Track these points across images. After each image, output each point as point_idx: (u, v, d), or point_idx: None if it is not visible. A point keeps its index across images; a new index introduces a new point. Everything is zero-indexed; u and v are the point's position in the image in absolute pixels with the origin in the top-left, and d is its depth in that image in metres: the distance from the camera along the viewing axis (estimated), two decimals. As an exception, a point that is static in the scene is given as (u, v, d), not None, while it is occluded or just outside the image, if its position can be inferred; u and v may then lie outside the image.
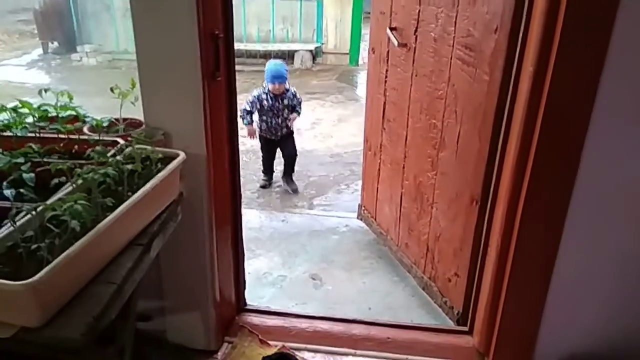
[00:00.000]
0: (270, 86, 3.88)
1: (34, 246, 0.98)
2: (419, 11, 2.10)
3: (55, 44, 9.41)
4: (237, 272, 2.04)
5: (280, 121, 4.01)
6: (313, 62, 8.56)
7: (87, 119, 1.47)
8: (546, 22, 1.42)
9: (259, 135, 4.12)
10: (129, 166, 1.23)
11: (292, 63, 8.47)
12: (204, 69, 1.55)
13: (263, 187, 4.18)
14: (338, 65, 8.62)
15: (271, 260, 2.77)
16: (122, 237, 1.22)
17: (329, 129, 5.83)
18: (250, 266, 2.69)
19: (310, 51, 8.47)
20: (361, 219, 2.98)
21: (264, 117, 3.98)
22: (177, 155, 1.46)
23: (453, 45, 1.92)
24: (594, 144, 1.52)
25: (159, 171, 1.36)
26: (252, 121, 4.05)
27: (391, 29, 2.29)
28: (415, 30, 2.14)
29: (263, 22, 8.67)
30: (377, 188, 2.69)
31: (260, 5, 8.57)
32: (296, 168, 4.72)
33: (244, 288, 2.14)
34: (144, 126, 1.62)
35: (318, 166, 4.74)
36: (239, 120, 2.96)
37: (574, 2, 1.36)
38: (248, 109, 3.94)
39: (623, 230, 1.65)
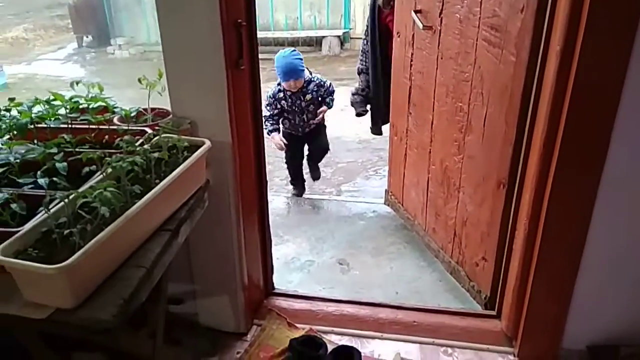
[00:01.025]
0: (284, 84, 3.25)
1: (66, 232, 1.03)
2: (444, -8, 2.07)
3: (90, 37, 9.66)
4: (265, 257, 2.08)
5: (306, 118, 3.38)
6: (341, 48, 8.52)
7: (116, 110, 1.51)
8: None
9: (283, 134, 3.46)
10: (156, 154, 1.27)
11: (320, 50, 8.45)
12: (227, 57, 1.57)
13: (298, 195, 3.57)
14: (366, 50, 8.53)
15: (299, 246, 2.81)
16: (151, 223, 1.26)
17: (357, 115, 5.81)
18: (279, 252, 2.73)
19: (338, 37, 8.42)
20: (388, 205, 2.98)
21: (287, 116, 3.37)
22: (203, 143, 1.49)
23: (479, 26, 1.89)
24: (624, 124, 1.48)
25: (185, 159, 1.40)
26: (276, 128, 3.34)
27: (416, 11, 2.26)
28: (441, 12, 2.11)
29: (290, 9, 8.66)
30: (404, 173, 2.68)
31: (288, -8, 8.57)
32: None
33: (272, 272, 2.18)
34: (171, 116, 1.66)
35: (346, 152, 4.74)
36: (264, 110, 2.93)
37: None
38: (268, 113, 3.26)
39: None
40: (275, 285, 2.27)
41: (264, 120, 3.05)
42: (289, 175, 3.65)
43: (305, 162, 3.70)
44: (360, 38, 8.82)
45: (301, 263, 2.65)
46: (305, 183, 3.68)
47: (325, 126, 3.55)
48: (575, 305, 1.76)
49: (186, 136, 1.54)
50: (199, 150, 1.43)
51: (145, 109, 1.70)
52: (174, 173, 1.29)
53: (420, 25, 2.20)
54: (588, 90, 1.44)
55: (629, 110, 1.46)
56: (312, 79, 3.30)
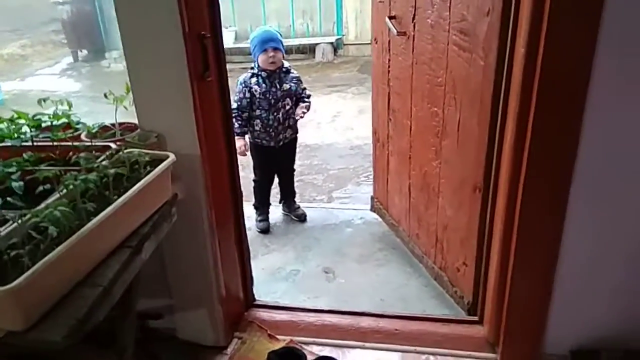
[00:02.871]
0: (260, 58, 2.72)
1: (14, 253, 1.02)
2: (415, -2, 2.06)
3: (85, 51, 9.70)
4: (244, 269, 2.07)
5: (281, 117, 2.83)
6: (334, 55, 8.53)
7: (78, 126, 1.51)
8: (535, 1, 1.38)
9: (250, 144, 2.94)
10: (113, 171, 1.26)
11: (314, 57, 8.46)
12: (192, 70, 1.57)
13: (262, 231, 3.01)
14: (359, 56, 8.54)
15: (285, 255, 2.79)
16: (109, 240, 1.25)
17: (350, 121, 5.80)
18: (265, 262, 2.72)
19: (331, 43, 8.43)
20: (374, 211, 2.96)
21: (257, 112, 2.81)
22: (167, 157, 1.48)
23: (449, 31, 1.88)
24: (592, 125, 1.46)
25: (148, 174, 1.39)
26: (244, 131, 2.86)
27: (390, 17, 2.26)
28: (413, 18, 2.10)
29: (283, 17, 8.67)
30: (387, 179, 2.67)
31: (280, 1, 8.58)
32: (315, 162, 4.74)
33: (252, 284, 2.17)
34: (138, 130, 1.65)
35: (338, 159, 4.73)
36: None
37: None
38: (235, 106, 2.76)
39: (632, 215, 1.58)
40: (260, 296, 2.26)
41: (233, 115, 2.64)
42: (254, 198, 3.10)
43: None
44: (354, 44, 8.91)
45: (286, 273, 2.63)
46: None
47: (297, 139, 3.10)
48: (556, 310, 1.73)
49: (153, 150, 1.54)
50: (161, 165, 1.42)
51: (112, 124, 1.69)
52: (132, 189, 1.28)
53: (395, 32, 2.19)
54: (554, 92, 1.43)
55: (596, 111, 1.44)
56: (291, 70, 2.91)
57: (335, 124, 5.78)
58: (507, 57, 1.58)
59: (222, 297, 1.90)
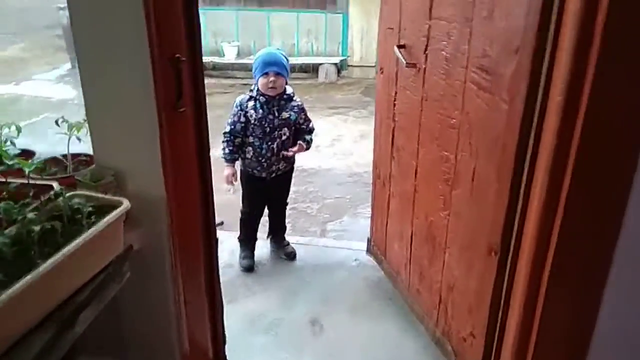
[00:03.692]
0: (260, 81, 2.49)
1: None
2: (429, 27, 1.81)
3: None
4: (214, 325, 1.78)
5: (275, 147, 2.57)
6: (338, 76, 8.32)
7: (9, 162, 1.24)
8: (579, 39, 1.12)
9: (241, 172, 2.70)
10: (37, 227, 0.99)
11: (317, 77, 8.26)
12: (161, 98, 1.31)
13: (246, 269, 2.72)
14: (364, 78, 8.34)
15: (268, 300, 2.50)
16: (30, 314, 0.98)
17: (350, 146, 5.56)
18: (245, 307, 2.44)
19: (335, 64, 8.23)
20: (370, 255, 2.69)
21: (251, 139, 2.55)
22: (120, 203, 1.22)
23: (467, 67, 1.62)
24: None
25: (92, 226, 1.12)
26: (234, 158, 2.60)
27: (399, 46, 2.01)
28: (425, 49, 1.86)
29: (287, 35, 8.49)
30: (387, 222, 2.40)
31: (285, 18, 8.41)
32: (311, 189, 4.47)
33: (224, 342, 1.88)
34: (93, 166, 1.39)
35: (335, 186, 4.46)
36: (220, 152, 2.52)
37: (616, 14, 1.06)
38: (228, 129, 2.56)
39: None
40: (234, 352, 1.97)
41: (222, 140, 2.54)
42: (239, 231, 2.84)
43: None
44: (358, 66, 8.71)
45: (268, 322, 2.34)
46: (288, 221, 3.34)
47: (293, 168, 2.84)
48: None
49: (105, 193, 1.27)
50: (108, 217, 1.15)
51: (64, 156, 1.43)
52: (65, 249, 1.00)
53: (404, 62, 1.95)
54: (599, 150, 1.17)
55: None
56: (294, 97, 2.64)
57: (335, 148, 5.53)
58: (538, 103, 1.32)
59: (186, 357, 1.62)
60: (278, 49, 2.72)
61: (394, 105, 2.18)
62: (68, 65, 9.63)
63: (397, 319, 2.33)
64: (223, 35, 8.46)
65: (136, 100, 1.30)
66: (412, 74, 1.98)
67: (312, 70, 8.33)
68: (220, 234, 3.25)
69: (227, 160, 2.62)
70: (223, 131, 2.60)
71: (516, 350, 1.48)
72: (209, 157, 1.57)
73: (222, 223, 3.14)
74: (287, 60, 2.62)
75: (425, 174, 1.98)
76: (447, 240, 1.87)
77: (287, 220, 3.22)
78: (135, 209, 1.38)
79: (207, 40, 8.56)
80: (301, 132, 2.70)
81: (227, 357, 1.90)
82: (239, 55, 8.36)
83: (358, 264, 2.80)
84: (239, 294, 2.53)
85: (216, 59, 8.19)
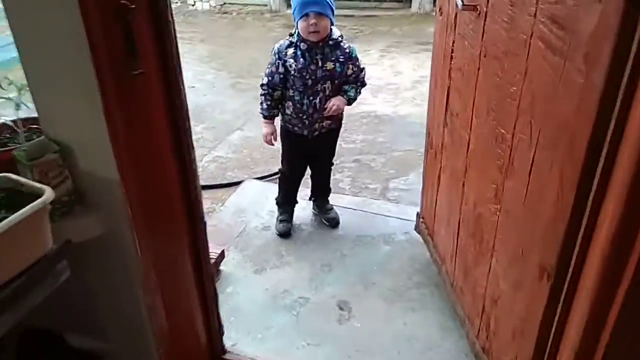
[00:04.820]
0: (300, 25, 2.12)
1: None
2: (493, -44, 1.32)
3: (177, -14, 9.43)
4: (207, 315, 1.57)
5: (318, 103, 2.23)
6: (434, 5, 7.48)
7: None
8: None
9: (281, 128, 2.41)
10: None
11: (410, 6, 7.51)
12: (102, 60, 1.02)
13: (281, 235, 2.48)
14: (463, 10, 7.43)
15: (298, 274, 2.26)
16: None
17: (433, 90, 5.00)
18: (271, 279, 2.22)
19: (432, -7, 7.39)
20: (419, 232, 2.31)
21: (290, 92, 2.23)
22: (42, 192, 0.98)
23: (535, 15, 1.14)
24: None
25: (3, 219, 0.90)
26: (273, 114, 2.32)
27: (458, -18, 1.53)
28: (488, -13, 1.37)
29: (381, -44, 7.72)
30: (436, 201, 2.00)
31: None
32: (380, 139, 4.06)
33: (221, 333, 1.67)
34: (37, 139, 1.16)
35: (407, 138, 4.01)
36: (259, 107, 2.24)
37: None
38: (265, 81, 2.25)
39: None
40: (247, 332, 1.78)
41: (260, 93, 2.24)
42: (278, 191, 2.57)
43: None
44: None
45: (292, 300, 2.10)
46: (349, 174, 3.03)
47: (340, 127, 2.47)
48: None
49: (46, 172, 1.06)
50: (17, 214, 0.92)
51: (15, 121, 1.22)
52: None
53: (460, 3, 1.47)
54: None
55: None
56: (341, 42, 2.21)
57: (416, 92, 4.99)
58: (625, 77, 0.86)
59: (170, 350, 1.43)
60: None
61: (451, 58, 1.72)
62: None
63: (438, 314, 1.99)
64: (311, -38, 7.89)
65: (69, 60, 1.03)
66: (471, 20, 1.51)
67: None
68: (267, 187, 3.03)
69: (265, 117, 2.33)
70: (260, 83, 2.29)
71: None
72: (185, 128, 1.28)
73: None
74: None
75: (477, 151, 1.55)
76: (495, 242, 1.46)
77: (347, 174, 2.91)
78: (89, 192, 1.17)
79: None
80: (348, 80, 2.28)
81: (228, 347, 1.70)
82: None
83: (407, 239, 2.44)
84: (269, 262, 2.31)
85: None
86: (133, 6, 1.05)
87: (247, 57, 6.00)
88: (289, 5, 7.60)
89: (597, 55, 0.93)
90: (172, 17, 1.17)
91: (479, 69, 1.48)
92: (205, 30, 7.46)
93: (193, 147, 1.32)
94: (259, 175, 3.36)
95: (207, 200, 3.10)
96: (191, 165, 1.31)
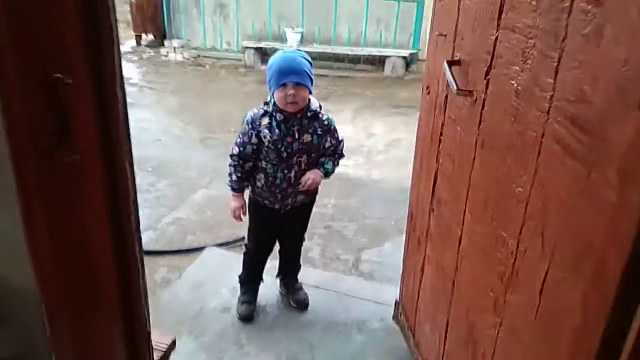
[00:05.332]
0: (276, 95, 1.95)
1: None
2: (496, 39, 1.18)
3: (150, 36, 9.35)
4: None
5: (292, 177, 2.05)
6: (406, 70, 7.59)
7: None
8: None
9: (250, 202, 2.18)
10: None
11: (383, 70, 7.59)
12: (23, 146, 0.80)
13: (243, 318, 2.22)
14: (435, 75, 7.56)
15: (259, 369, 1.99)
16: None
17: (407, 154, 4.87)
18: (229, 375, 1.94)
19: (404, 57, 7.51)
20: (398, 324, 2.09)
21: (263, 164, 2.04)
22: None
23: (549, 112, 0.99)
24: None
25: None
26: (243, 186, 2.12)
27: (451, 62, 1.39)
28: (488, 72, 1.23)
29: (356, 22, 7.84)
30: (419, 293, 1.80)
31: (354, 4, 7.74)
32: (353, 203, 3.89)
33: None
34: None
35: (380, 204, 3.85)
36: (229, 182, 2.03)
37: None
38: (236, 152, 2.04)
39: None
40: None
41: (229, 164, 2.03)
42: (241, 268, 2.32)
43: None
44: (429, 61, 7.84)
45: (252, 403, 1.83)
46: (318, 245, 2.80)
47: (314, 200, 2.28)
48: None
49: None
50: None
51: None
52: None
53: (454, 87, 1.33)
54: None
55: None
56: (320, 113, 2.05)
57: (389, 155, 4.90)
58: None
59: None
60: (298, 49, 2.11)
61: (440, 141, 1.57)
62: (133, 42, 9.56)
63: None
64: (287, 20, 7.96)
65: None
66: (465, 104, 1.36)
67: (378, 62, 7.68)
68: (229, 257, 2.76)
69: (233, 190, 2.12)
70: (230, 153, 2.08)
71: None
72: (130, 229, 1.05)
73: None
74: (311, 64, 2.01)
75: (472, 251, 1.37)
76: (494, 359, 1.25)
77: (317, 242, 2.67)
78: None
79: (269, 25, 8.12)
80: (326, 152, 2.11)
81: None
82: (301, 42, 7.84)
83: (383, 327, 2.21)
84: (227, 353, 2.04)
85: (277, 45, 7.73)
86: (69, 81, 0.84)
87: (218, 111, 5.85)
88: (263, 61, 7.62)
89: (636, 170, 0.77)
90: (123, 93, 0.97)
91: (474, 159, 1.32)
92: (177, 82, 7.31)
93: (141, 247, 1.09)
94: (223, 240, 3.11)
95: (163, 268, 2.83)
96: (137, 270, 1.07)
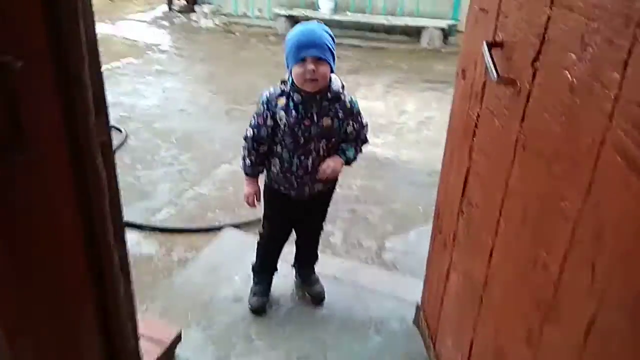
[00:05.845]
0: (294, 71, 1.75)
1: None
2: (548, 19, 0.97)
3: (182, 1, 9.18)
4: None
5: (310, 164, 1.87)
6: (444, 42, 7.21)
7: None
8: None
9: (265, 188, 2.02)
10: None
11: (419, 41, 7.23)
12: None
13: (254, 310, 2.10)
14: (474, 48, 7.16)
15: (266, 368, 1.87)
16: None
17: (439, 134, 4.63)
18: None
19: (442, 29, 7.12)
20: (419, 329, 1.93)
21: (278, 149, 1.87)
22: None
23: (612, 115, 0.79)
24: None
25: None
26: (258, 171, 1.96)
27: (492, 44, 1.18)
28: (536, 58, 1.02)
29: (393, -11, 7.47)
30: (442, 300, 1.63)
31: (393, -31, 7.36)
32: (379, 186, 3.70)
33: None
34: None
35: (408, 186, 3.65)
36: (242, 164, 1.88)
37: None
38: (250, 134, 1.86)
39: None
40: None
41: (242, 147, 1.88)
42: (255, 257, 2.17)
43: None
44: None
45: (256, 405, 1.72)
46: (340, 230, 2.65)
47: (334, 188, 2.08)
48: None
49: None
50: None
51: None
52: None
53: (494, 75, 1.12)
54: None
55: None
56: (342, 94, 1.84)
57: (420, 134, 4.65)
58: None
59: None
60: (319, 21, 1.86)
61: (474, 133, 1.37)
62: (165, 7, 9.41)
63: None
64: (320, -15, 7.65)
65: None
66: (506, 95, 1.16)
67: (414, 33, 7.31)
68: (247, 241, 2.63)
69: (247, 175, 1.95)
70: (243, 135, 1.90)
71: None
72: (105, 238, 0.91)
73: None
74: (333, 39, 1.78)
75: (505, 268, 1.18)
76: (522, 395, 1.09)
77: (340, 226, 2.51)
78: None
79: (302, -10, 7.82)
80: (349, 137, 1.91)
81: None
82: (335, 10, 7.54)
83: (403, 329, 2.04)
84: (235, 348, 1.93)
85: (309, 12, 7.45)
86: (19, 64, 0.69)
87: (246, 81, 5.69)
88: (294, 30, 7.33)
89: None
90: (99, 76, 0.82)
91: (513, 161, 1.12)
92: (207, 49, 7.17)
93: (126, 255, 0.95)
94: (242, 219, 3.00)
95: (180, 247, 2.74)
96: (117, 287, 0.93)
